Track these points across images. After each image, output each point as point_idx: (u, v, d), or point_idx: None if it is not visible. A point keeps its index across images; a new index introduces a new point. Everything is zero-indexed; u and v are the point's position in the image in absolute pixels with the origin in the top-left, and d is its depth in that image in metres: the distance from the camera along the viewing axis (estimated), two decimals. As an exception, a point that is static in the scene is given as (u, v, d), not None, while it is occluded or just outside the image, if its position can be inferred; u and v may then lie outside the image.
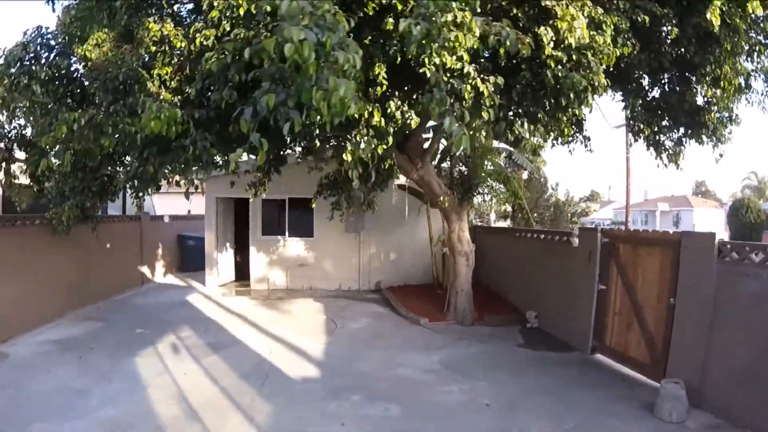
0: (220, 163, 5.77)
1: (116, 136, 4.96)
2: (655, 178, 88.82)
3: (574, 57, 4.29)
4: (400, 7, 4.12)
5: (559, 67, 4.35)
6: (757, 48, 6.00)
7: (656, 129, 6.63)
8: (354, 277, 10.56)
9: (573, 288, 6.63)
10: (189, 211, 13.81)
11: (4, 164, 7.40)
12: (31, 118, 6.52)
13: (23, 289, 6.78)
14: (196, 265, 11.92)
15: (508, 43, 3.81)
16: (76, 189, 6.77)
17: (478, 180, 7.72)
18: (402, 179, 9.21)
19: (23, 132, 7.30)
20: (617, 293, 5.92)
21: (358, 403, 4.62)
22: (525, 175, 9.09)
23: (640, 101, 6.61)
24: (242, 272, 11.20)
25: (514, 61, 4.67)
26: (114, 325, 7.42)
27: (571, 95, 4.29)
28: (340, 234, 10.22)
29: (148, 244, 10.90)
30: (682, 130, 6.61)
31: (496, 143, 8.88)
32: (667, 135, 6.76)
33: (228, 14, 4.39)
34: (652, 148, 6.90)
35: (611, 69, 4.99)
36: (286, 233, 10.48)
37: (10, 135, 7.32)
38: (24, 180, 7.79)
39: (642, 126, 6.73)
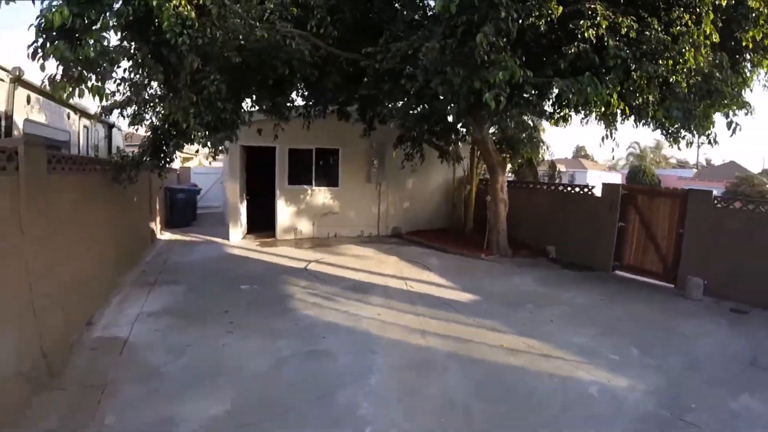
0: None
1: None
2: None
3: None
4: None
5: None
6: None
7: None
8: (373, 224, 12.32)
9: (595, 227, 9.80)
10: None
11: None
12: None
13: (91, 251, 6.08)
14: (184, 220, 11.75)
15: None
16: (210, 123, 6.36)
17: (522, 143, 10.21)
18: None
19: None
20: (635, 228, 9.27)
21: (536, 311, 6.83)
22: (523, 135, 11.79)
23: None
24: (256, 224, 11.57)
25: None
26: (197, 286, 7.41)
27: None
28: (362, 184, 11.81)
29: (153, 198, 10.41)
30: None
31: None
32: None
33: None
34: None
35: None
36: (313, 183, 11.47)
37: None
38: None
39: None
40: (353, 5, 7.98)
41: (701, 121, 7.14)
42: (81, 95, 4.42)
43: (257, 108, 7.92)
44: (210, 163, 16.36)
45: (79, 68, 4.11)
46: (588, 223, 10.01)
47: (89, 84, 4.45)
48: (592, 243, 9.87)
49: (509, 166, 11.77)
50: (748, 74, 7.99)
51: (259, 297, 6.97)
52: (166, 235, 11.53)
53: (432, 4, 8.18)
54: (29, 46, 4.20)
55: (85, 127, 9.59)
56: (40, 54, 4.07)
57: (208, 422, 3.72)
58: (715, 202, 8.10)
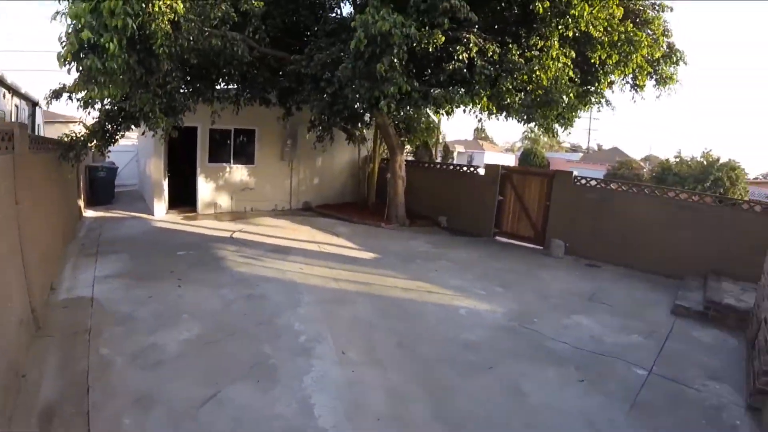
0: None
1: None
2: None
3: None
4: None
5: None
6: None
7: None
8: (286, 198, 13.89)
9: (479, 200, 12.18)
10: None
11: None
12: None
13: (50, 223, 7.03)
14: (105, 198, 12.44)
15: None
16: (163, 110, 7.77)
17: (416, 127, 12.43)
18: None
19: None
20: (511, 202, 11.76)
21: (425, 264, 8.92)
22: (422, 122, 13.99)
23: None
24: (177, 200, 12.63)
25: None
26: (138, 254, 8.39)
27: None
28: (276, 161, 13.33)
29: (80, 176, 11.11)
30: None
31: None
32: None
33: None
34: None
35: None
36: (231, 160, 12.74)
37: None
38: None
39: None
40: (283, 12, 9.91)
41: (540, 121, 9.99)
42: (101, 96, 5.84)
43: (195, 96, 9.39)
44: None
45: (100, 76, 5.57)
46: (474, 197, 12.35)
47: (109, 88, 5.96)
48: (477, 214, 12.24)
49: (408, 147, 13.95)
50: (601, 84, 10.66)
51: (196, 260, 8.27)
52: (90, 213, 12.11)
53: (344, 12, 10.30)
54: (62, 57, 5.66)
55: (15, 105, 10.10)
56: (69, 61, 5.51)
57: (182, 344, 5.14)
58: (575, 181, 10.66)
